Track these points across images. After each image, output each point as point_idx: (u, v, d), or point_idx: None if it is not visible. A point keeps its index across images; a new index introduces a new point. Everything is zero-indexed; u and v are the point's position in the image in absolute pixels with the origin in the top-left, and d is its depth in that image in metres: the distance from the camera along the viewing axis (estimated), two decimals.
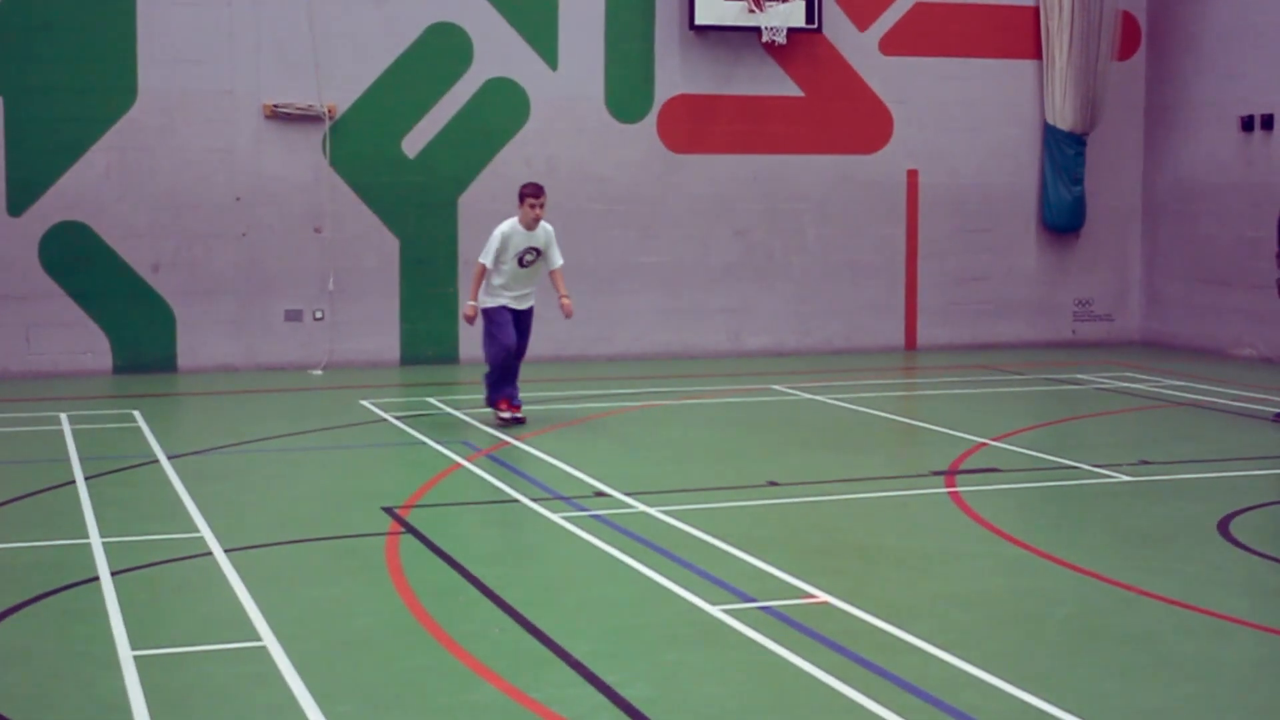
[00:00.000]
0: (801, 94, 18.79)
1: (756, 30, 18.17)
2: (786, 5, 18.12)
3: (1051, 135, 19.63)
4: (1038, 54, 19.63)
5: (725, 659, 6.84)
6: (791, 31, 18.28)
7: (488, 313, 12.99)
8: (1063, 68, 19.37)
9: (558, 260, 13.08)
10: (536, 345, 17.84)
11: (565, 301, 13.04)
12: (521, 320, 13.09)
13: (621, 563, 8.49)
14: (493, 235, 12.85)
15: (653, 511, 9.78)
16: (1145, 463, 11.53)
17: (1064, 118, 19.49)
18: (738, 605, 7.60)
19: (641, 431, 13.37)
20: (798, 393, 15.43)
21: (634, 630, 7.30)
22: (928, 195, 19.43)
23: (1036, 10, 19.57)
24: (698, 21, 18.07)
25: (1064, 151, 19.61)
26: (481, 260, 12.85)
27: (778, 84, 18.69)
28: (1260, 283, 18.04)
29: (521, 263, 12.80)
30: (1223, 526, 9.44)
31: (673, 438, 13.00)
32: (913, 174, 19.34)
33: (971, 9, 19.41)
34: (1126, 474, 11.09)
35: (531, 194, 12.79)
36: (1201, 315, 19.46)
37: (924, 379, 17.16)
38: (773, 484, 10.74)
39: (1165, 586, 8.03)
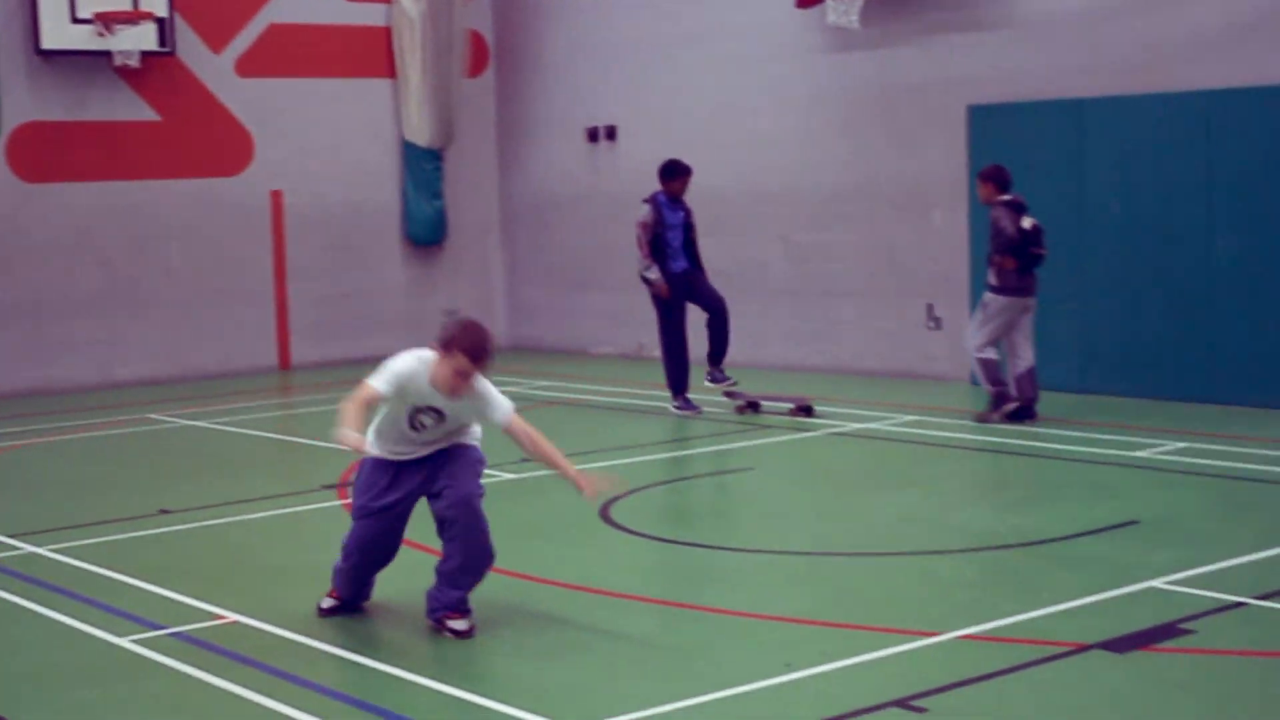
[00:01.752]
0: (158, 118, 18.46)
1: (108, 54, 17.71)
2: (137, 28, 17.74)
3: (410, 151, 20.10)
4: (392, 72, 20.06)
5: (144, 688, 6.75)
6: (145, 55, 17.92)
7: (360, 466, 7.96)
8: (417, 85, 19.86)
9: (502, 416, 7.54)
10: None
11: (583, 483, 7.67)
12: (421, 471, 7.71)
13: (18, 605, 8.18)
14: (395, 362, 7.57)
15: (42, 551, 9.46)
16: (527, 460, 11.95)
17: (421, 134, 20.00)
18: (147, 634, 7.49)
19: (17, 471, 12.84)
20: (177, 420, 15.19)
21: (43, 672, 7.07)
22: (293, 215, 19.50)
23: (389, 30, 19.99)
24: (44, 46, 17.42)
25: (423, 167, 20.13)
26: (370, 382, 7.48)
27: (133, 109, 18.29)
28: (614, 285, 19.15)
29: (413, 424, 7.62)
30: (604, 513, 10.03)
31: (52, 476, 12.55)
32: (277, 195, 19.35)
33: (325, 29, 19.62)
34: (511, 472, 11.56)
35: (468, 352, 7.28)
36: (563, 318, 20.43)
37: (301, 397, 17.23)
38: (164, 512, 10.58)
39: (563, 573, 8.50)
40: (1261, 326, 13.78)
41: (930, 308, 15.95)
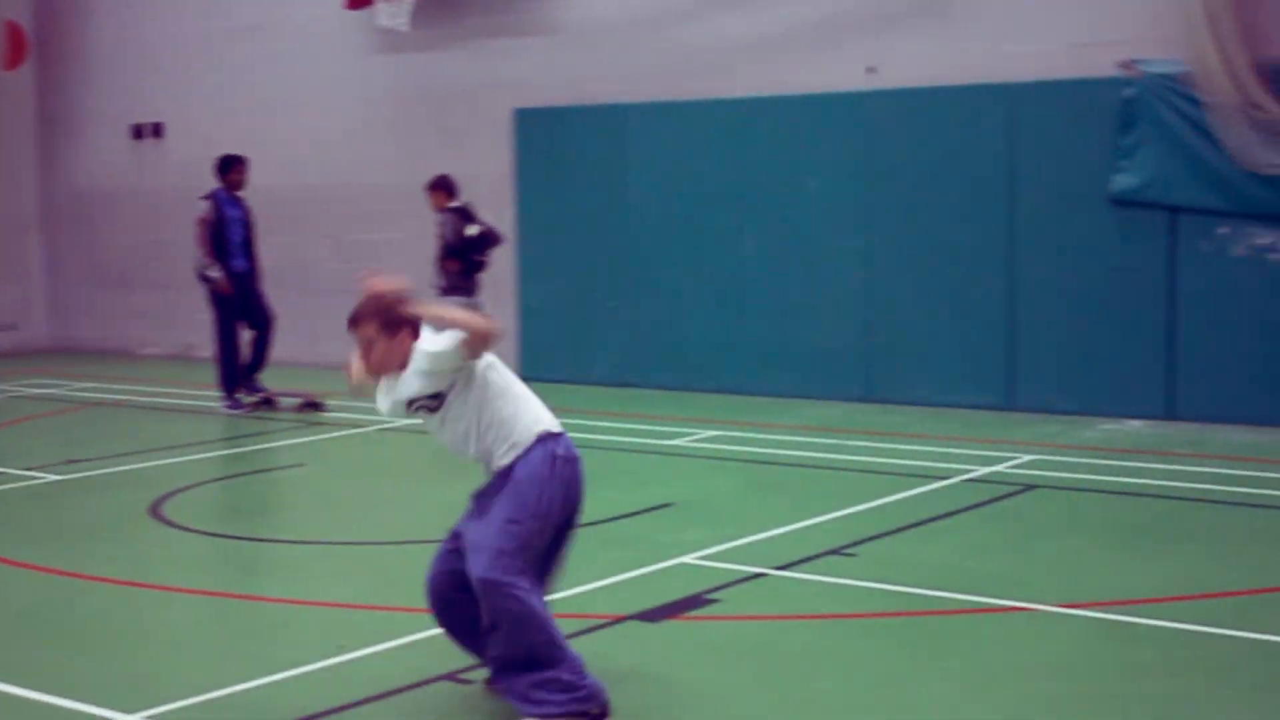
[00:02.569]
0: None
1: None
2: None
3: None
4: None
5: None
6: None
7: None
8: None
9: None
10: None
11: None
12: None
13: None
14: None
15: None
16: (73, 461, 11.87)
17: None
18: None
19: None
20: None
21: None
22: None
23: None
24: None
25: None
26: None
27: None
28: (161, 284, 18.89)
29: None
30: (155, 510, 10.02)
31: None
32: None
33: None
34: (55, 474, 11.38)
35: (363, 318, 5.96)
36: (107, 318, 19.99)
37: None
38: None
39: (113, 570, 8.48)
40: (785, 322, 14.73)
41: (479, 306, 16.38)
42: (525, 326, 16.08)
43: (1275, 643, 6.81)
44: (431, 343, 5.86)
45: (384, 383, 6.05)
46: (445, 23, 16.76)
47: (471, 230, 14.07)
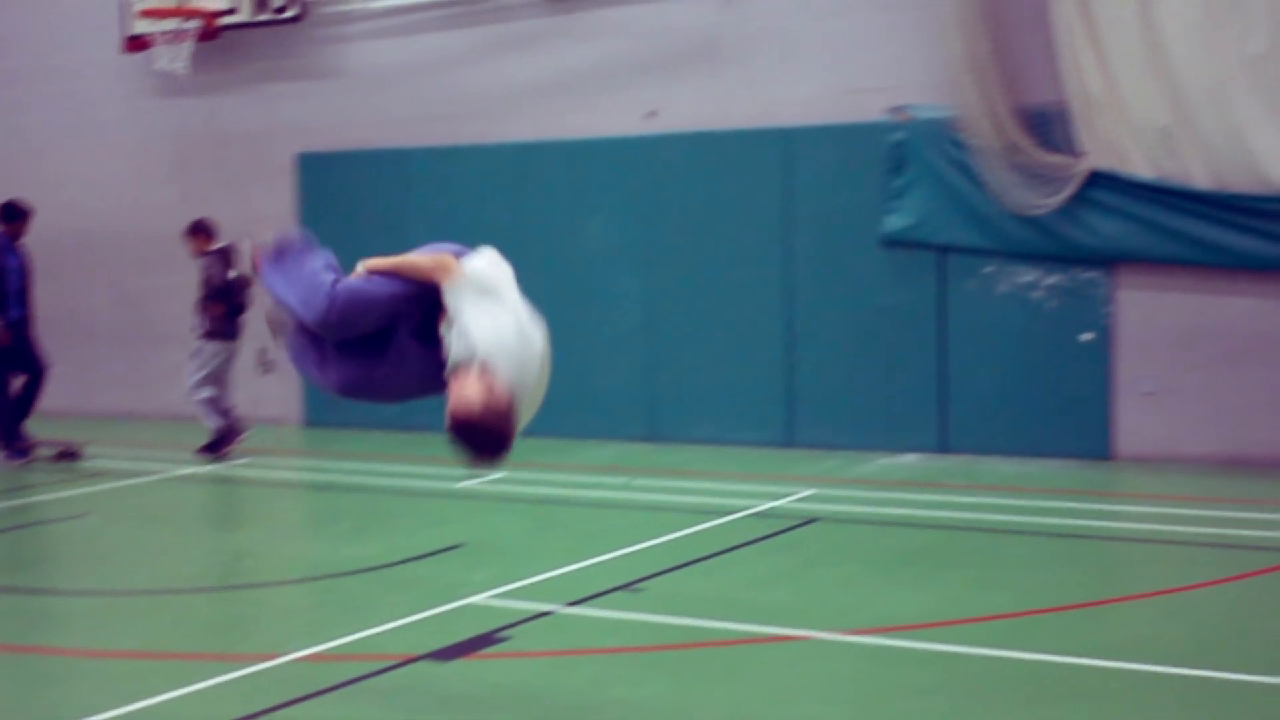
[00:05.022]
0: None
1: None
2: None
3: None
4: None
5: None
6: None
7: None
8: None
9: None
10: None
11: None
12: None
13: None
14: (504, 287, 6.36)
15: None
16: None
17: None
18: None
19: None
20: None
21: None
22: None
23: None
24: None
25: None
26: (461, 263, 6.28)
27: None
28: None
29: None
30: None
31: None
32: None
33: None
34: None
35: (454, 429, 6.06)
36: None
37: None
38: None
39: None
40: (568, 363, 14.84)
41: (262, 351, 16.25)
42: None
43: (1044, 661, 7.14)
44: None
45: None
46: (225, 66, 16.67)
47: (234, 273, 14.10)
